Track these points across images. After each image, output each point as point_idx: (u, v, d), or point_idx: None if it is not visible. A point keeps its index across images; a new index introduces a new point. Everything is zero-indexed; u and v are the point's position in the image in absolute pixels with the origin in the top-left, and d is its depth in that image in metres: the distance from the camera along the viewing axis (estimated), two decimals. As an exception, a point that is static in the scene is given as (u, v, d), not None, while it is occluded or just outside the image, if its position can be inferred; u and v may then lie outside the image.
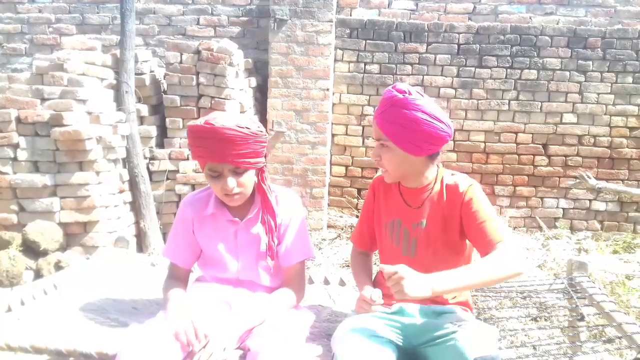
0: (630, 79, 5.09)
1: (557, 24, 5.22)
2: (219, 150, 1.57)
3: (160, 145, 4.63)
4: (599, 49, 5.05)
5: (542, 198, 5.27)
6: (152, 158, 4.55)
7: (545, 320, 2.90)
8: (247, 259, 1.77)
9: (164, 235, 4.49)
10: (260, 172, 1.73)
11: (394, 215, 1.76)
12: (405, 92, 1.61)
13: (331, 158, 5.31)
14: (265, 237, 1.74)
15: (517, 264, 1.50)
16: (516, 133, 5.20)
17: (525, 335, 2.72)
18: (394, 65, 5.16)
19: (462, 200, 1.64)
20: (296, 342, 1.58)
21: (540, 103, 5.15)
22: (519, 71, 5.11)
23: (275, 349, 1.47)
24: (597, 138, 5.17)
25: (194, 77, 4.50)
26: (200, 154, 1.62)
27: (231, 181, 1.62)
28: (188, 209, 1.79)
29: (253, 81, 5.07)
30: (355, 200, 5.32)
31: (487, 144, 5.22)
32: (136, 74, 4.44)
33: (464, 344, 1.41)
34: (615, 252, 4.68)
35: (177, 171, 4.51)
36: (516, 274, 1.50)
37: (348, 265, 4.20)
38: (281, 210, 1.78)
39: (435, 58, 5.14)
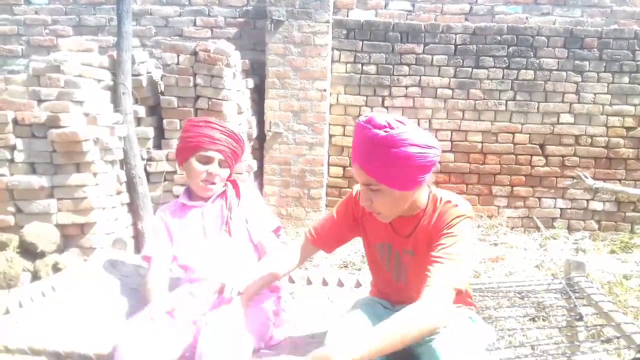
0: (626, 79, 5.10)
1: (554, 24, 5.23)
2: (220, 142, 1.98)
3: (158, 146, 4.62)
4: (595, 49, 5.07)
5: (539, 198, 5.28)
6: (150, 159, 4.54)
7: (544, 320, 2.90)
8: (213, 234, 2.01)
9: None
10: (229, 175, 2.10)
11: (384, 238, 1.66)
12: (387, 127, 1.40)
13: (329, 159, 5.31)
14: (227, 212, 2.01)
15: (434, 319, 1.35)
16: (513, 133, 5.21)
17: (524, 335, 2.72)
18: (391, 66, 5.16)
19: (444, 225, 1.50)
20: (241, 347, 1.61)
21: (537, 103, 5.16)
22: (516, 71, 5.12)
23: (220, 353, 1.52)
24: (594, 138, 5.18)
25: (191, 78, 4.48)
26: (200, 142, 1.96)
27: (215, 167, 2.00)
28: (160, 212, 2.12)
29: (250, 82, 5.06)
30: (353, 201, 5.31)
31: (484, 144, 5.22)
32: (133, 75, 4.42)
33: (440, 347, 1.38)
34: (612, 252, 4.69)
35: (175, 172, 4.50)
36: (431, 330, 1.36)
37: (347, 266, 4.19)
38: (242, 196, 2.08)
39: (432, 59, 5.15)
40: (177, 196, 4.38)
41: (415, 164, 1.42)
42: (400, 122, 1.42)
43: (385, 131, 1.39)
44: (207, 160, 1.98)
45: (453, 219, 1.49)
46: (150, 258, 2.01)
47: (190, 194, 2.11)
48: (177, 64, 4.50)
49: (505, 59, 5.11)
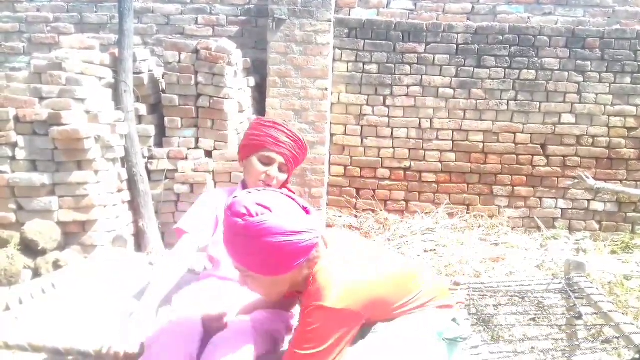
0: (628, 80, 5.09)
1: (556, 24, 5.23)
2: (284, 146, 1.98)
3: (159, 144, 4.63)
4: (597, 50, 5.06)
5: (540, 198, 5.27)
6: (151, 157, 4.54)
7: (543, 320, 2.90)
8: None
9: (163, 234, 4.48)
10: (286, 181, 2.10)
11: None
12: (245, 215, 1.30)
13: (330, 158, 5.31)
14: None
15: None
16: (515, 133, 5.21)
17: (523, 334, 2.72)
18: (392, 65, 5.16)
19: (302, 310, 1.40)
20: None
21: (538, 103, 5.16)
22: (518, 71, 5.12)
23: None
24: (596, 138, 5.17)
25: (193, 76, 4.49)
26: (264, 142, 1.97)
27: (275, 170, 1.99)
28: (215, 193, 2.13)
29: (251, 81, 5.06)
30: (354, 200, 5.32)
31: (485, 144, 5.22)
32: (134, 73, 4.43)
33: None
34: (613, 252, 4.69)
35: (176, 170, 4.50)
36: None
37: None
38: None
39: (433, 58, 5.14)
40: (179, 195, 4.46)
41: (280, 252, 1.30)
42: (265, 208, 1.31)
43: (243, 220, 1.29)
44: (268, 162, 1.99)
45: (306, 306, 1.36)
46: (183, 234, 1.95)
47: (245, 188, 2.05)
48: (179, 62, 4.50)
49: (507, 58, 5.11)
